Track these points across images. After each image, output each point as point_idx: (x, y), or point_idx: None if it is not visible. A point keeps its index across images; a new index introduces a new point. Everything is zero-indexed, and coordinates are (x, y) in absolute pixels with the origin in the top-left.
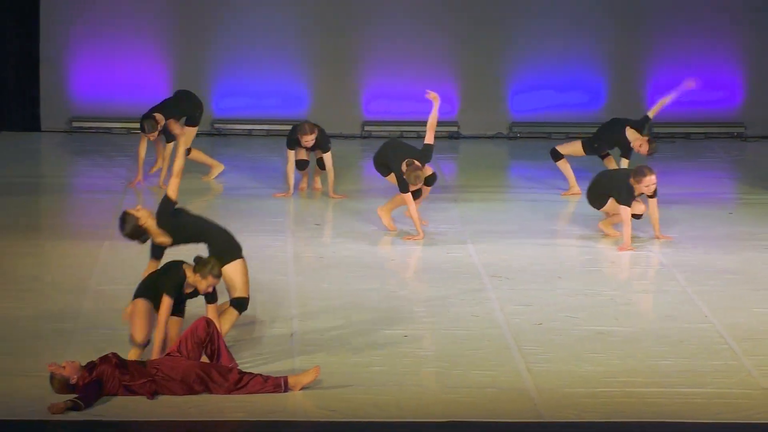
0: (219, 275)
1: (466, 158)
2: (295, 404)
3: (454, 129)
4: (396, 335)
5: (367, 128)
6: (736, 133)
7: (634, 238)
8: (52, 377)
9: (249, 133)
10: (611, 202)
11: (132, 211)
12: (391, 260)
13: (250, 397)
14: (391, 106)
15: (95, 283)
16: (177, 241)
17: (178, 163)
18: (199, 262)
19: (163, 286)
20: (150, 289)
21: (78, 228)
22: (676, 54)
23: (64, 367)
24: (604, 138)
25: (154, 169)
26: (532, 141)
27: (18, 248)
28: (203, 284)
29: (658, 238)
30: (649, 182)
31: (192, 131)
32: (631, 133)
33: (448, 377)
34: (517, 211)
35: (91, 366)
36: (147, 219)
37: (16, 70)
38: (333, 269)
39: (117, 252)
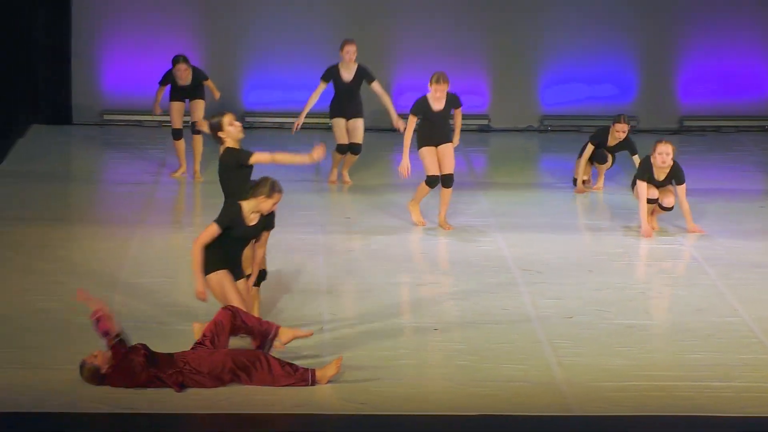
0: (282, 190)
1: (496, 151)
2: (324, 397)
3: (485, 122)
4: (426, 328)
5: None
6: (766, 127)
7: (664, 231)
8: (83, 366)
9: (280, 126)
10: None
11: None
12: (421, 253)
13: (280, 390)
14: None
15: (125, 276)
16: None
17: (281, 158)
18: (257, 185)
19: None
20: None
21: (109, 220)
22: (706, 46)
23: (95, 356)
24: (611, 152)
25: (178, 173)
26: (562, 134)
27: (49, 240)
28: (269, 203)
29: (691, 231)
30: (661, 150)
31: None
32: (610, 138)
33: (478, 371)
34: (547, 204)
35: (119, 354)
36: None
37: (48, 64)
38: (363, 262)
39: (148, 245)
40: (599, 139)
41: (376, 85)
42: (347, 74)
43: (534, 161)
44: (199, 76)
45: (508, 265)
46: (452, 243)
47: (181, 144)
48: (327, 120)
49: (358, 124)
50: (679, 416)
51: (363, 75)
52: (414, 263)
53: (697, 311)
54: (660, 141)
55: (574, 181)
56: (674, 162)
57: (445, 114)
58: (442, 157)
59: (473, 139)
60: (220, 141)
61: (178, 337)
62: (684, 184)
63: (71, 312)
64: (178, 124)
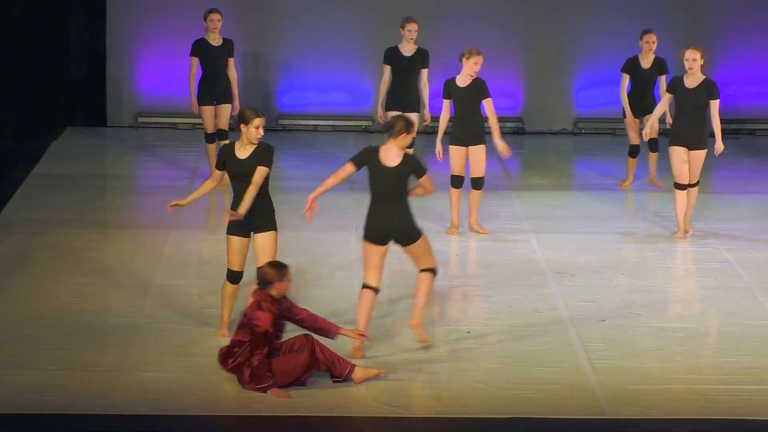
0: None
1: (530, 154)
2: (358, 400)
3: (519, 125)
4: (459, 331)
5: (431, 124)
6: None
7: (699, 231)
8: (263, 270)
9: (314, 129)
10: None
11: None
12: (455, 256)
13: (315, 393)
14: None
15: (159, 278)
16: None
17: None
18: (391, 126)
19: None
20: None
21: (143, 223)
22: (741, 49)
23: (281, 284)
24: (649, 80)
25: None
26: (596, 137)
27: (82, 243)
28: (409, 138)
29: (717, 149)
30: (687, 55)
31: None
32: (642, 59)
33: (511, 373)
34: (580, 207)
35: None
36: None
37: (83, 67)
38: (397, 265)
39: (182, 247)
40: (631, 66)
41: (425, 74)
42: (406, 52)
43: (568, 164)
44: (227, 46)
45: (541, 267)
46: (485, 245)
47: (213, 149)
48: (361, 122)
49: (412, 118)
50: (713, 420)
51: (421, 56)
52: (447, 266)
53: (730, 314)
54: (689, 46)
55: (623, 112)
56: (707, 77)
57: (470, 95)
58: (470, 160)
59: (507, 142)
60: (239, 130)
61: (212, 340)
62: (717, 100)
63: (106, 314)
64: (210, 128)
